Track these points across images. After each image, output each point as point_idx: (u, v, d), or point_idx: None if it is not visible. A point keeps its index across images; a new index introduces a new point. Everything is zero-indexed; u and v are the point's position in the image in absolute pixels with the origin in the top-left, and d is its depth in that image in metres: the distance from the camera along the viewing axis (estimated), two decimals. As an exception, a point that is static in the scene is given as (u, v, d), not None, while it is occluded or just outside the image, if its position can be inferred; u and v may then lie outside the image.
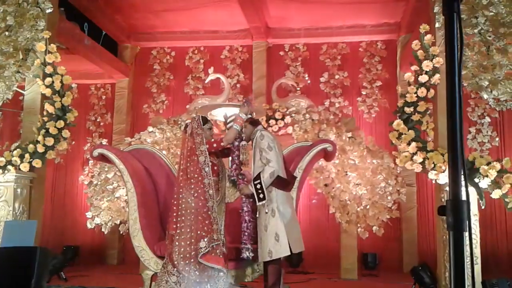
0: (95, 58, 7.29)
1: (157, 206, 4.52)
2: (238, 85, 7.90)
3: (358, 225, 5.95)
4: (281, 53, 8.00)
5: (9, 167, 5.12)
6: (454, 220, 1.03)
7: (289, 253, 3.93)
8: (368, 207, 5.88)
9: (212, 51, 8.12)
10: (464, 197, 1.04)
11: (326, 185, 6.07)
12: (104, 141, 7.86)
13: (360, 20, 7.61)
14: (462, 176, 1.06)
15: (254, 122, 4.16)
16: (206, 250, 3.68)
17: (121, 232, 6.33)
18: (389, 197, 5.89)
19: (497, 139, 7.20)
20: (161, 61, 8.29)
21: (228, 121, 4.36)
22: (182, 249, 3.73)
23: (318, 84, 7.85)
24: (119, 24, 7.86)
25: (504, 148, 7.18)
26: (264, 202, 3.92)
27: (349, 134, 6.13)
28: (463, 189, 1.06)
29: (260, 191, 3.93)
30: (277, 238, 3.91)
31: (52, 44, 5.37)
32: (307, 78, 7.90)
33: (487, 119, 7.24)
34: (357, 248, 6.17)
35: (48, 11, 5.53)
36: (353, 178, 5.99)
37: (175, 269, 3.74)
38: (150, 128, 6.44)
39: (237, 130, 4.10)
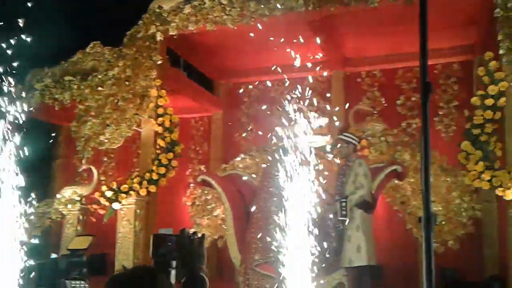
0: (194, 95, 8.47)
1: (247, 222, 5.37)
2: (318, 112, 8.61)
3: (434, 241, 6.31)
4: (358, 80, 8.62)
5: (131, 192, 6.32)
6: (426, 226, 1.71)
7: (367, 263, 4.64)
8: (443, 222, 6.24)
9: (294, 82, 8.94)
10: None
11: (402, 202, 6.54)
12: (203, 167, 8.99)
13: (435, 44, 7.96)
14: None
15: (355, 148, 5.04)
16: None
17: (219, 246, 7.28)
18: (463, 213, 6.21)
19: None
20: (250, 94, 9.30)
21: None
22: None
23: (394, 106, 8.32)
24: (214, 65, 9.00)
25: None
26: (345, 219, 4.69)
27: (423, 155, 6.54)
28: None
29: (344, 209, 4.71)
30: (359, 250, 4.65)
31: (162, 90, 6.55)
32: (383, 102, 8.39)
33: None
34: (435, 262, 6.50)
35: (158, 62, 6.75)
36: (428, 196, 6.38)
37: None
38: (242, 155, 7.37)
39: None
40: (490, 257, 7.13)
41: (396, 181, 6.10)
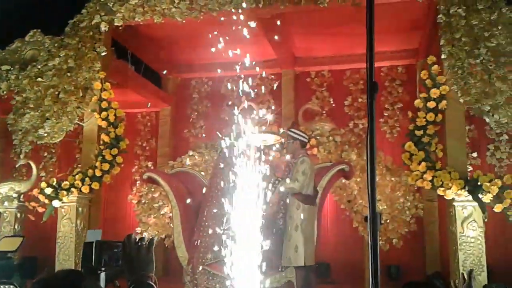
0: (141, 90, 8.21)
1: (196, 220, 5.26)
2: (268, 111, 8.62)
3: (380, 238, 6.47)
4: (308, 79, 8.69)
5: (72, 189, 6.03)
6: (372, 224, 1.69)
7: (303, 264, 4.68)
8: (388, 221, 6.41)
9: (244, 79, 8.89)
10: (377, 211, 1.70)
11: (349, 201, 6.66)
12: (150, 164, 8.75)
13: (381, 47, 8.17)
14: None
15: (303, 144, 5.06)
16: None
17: (166, 245, 7.11)
18: (407, 212, 6.41)
19: (515, 155, 7.54)
20: (200, 90, 9.15)
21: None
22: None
23: (342, 107, 8.46)
24: (162, 59, 8.78)
25: (523, 164, 7.50)
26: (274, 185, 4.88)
27: (369, 154, 6.69)
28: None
29: (274, 185, 4.84)
30: (296, 250, 4.66)
31: (107, 83, 6.28)
32: (332, 102, 8.52)
33: (505, 136, 7.59)
34: (380, 260, 6.67)
35: (103, 54, 6.47)
36: (374, 195, 6.53)
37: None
38: (190, 152, 7.22)
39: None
40: (432, 254, 7.41)
41: (343, 180, 6.19)
